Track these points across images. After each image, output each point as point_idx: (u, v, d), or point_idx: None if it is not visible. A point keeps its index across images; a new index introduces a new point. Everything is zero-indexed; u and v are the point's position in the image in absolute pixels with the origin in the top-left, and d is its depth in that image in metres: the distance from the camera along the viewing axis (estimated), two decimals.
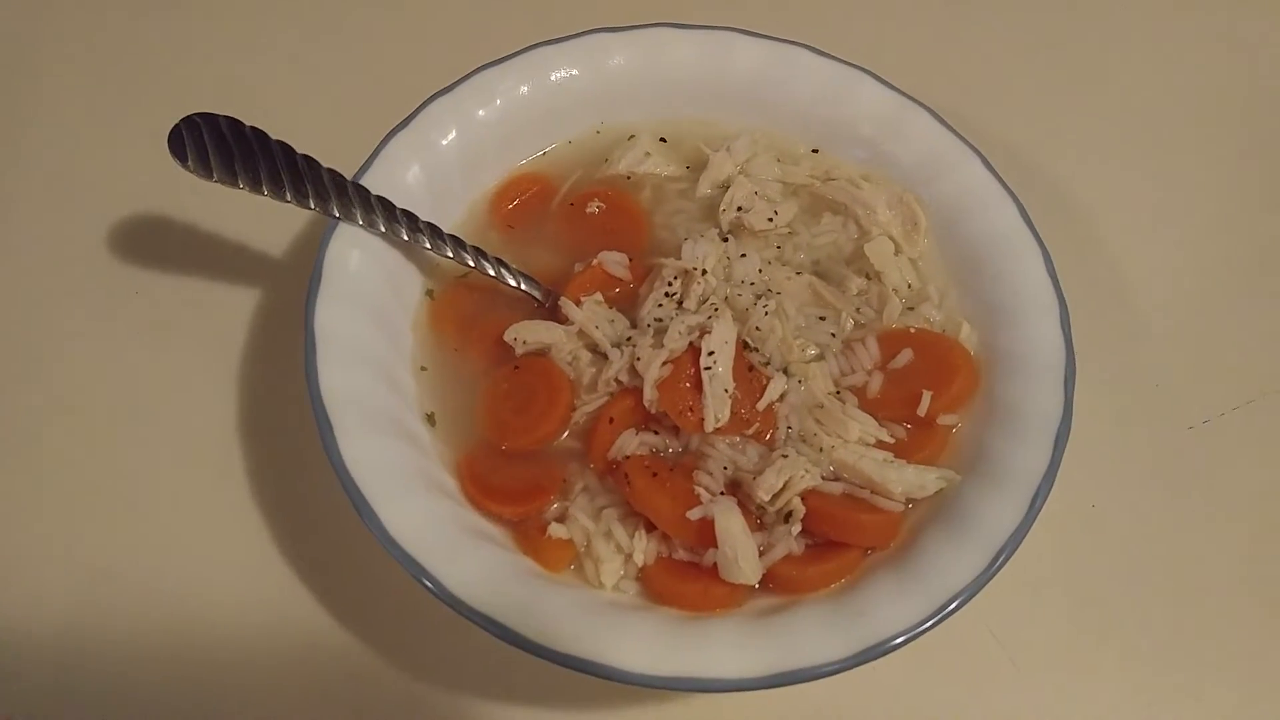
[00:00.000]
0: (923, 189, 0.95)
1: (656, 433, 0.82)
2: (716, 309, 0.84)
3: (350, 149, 0.87)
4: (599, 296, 0.87)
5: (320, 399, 0.74)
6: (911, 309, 0.91)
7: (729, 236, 0.92)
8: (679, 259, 0.88)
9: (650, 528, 0.78)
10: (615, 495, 0.80)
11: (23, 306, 0.98)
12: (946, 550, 0.74)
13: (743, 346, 0.84)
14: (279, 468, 0.89)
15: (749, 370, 0.83)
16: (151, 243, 1.02)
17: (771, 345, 0.85)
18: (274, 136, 0.81)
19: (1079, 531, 0.91)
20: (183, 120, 0.78)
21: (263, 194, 0.79)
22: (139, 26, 1.18)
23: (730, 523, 0.75)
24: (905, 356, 0.86)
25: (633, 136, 0.99)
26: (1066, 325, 0.84)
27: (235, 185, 0.78)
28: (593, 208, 0.94)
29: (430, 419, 0.83)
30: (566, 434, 0.83)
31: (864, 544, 0.78)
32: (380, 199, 0.84)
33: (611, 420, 0.81)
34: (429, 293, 0.90)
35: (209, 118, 0.79)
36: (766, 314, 0.86)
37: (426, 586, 0.69)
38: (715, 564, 0.75)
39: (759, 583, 0.76)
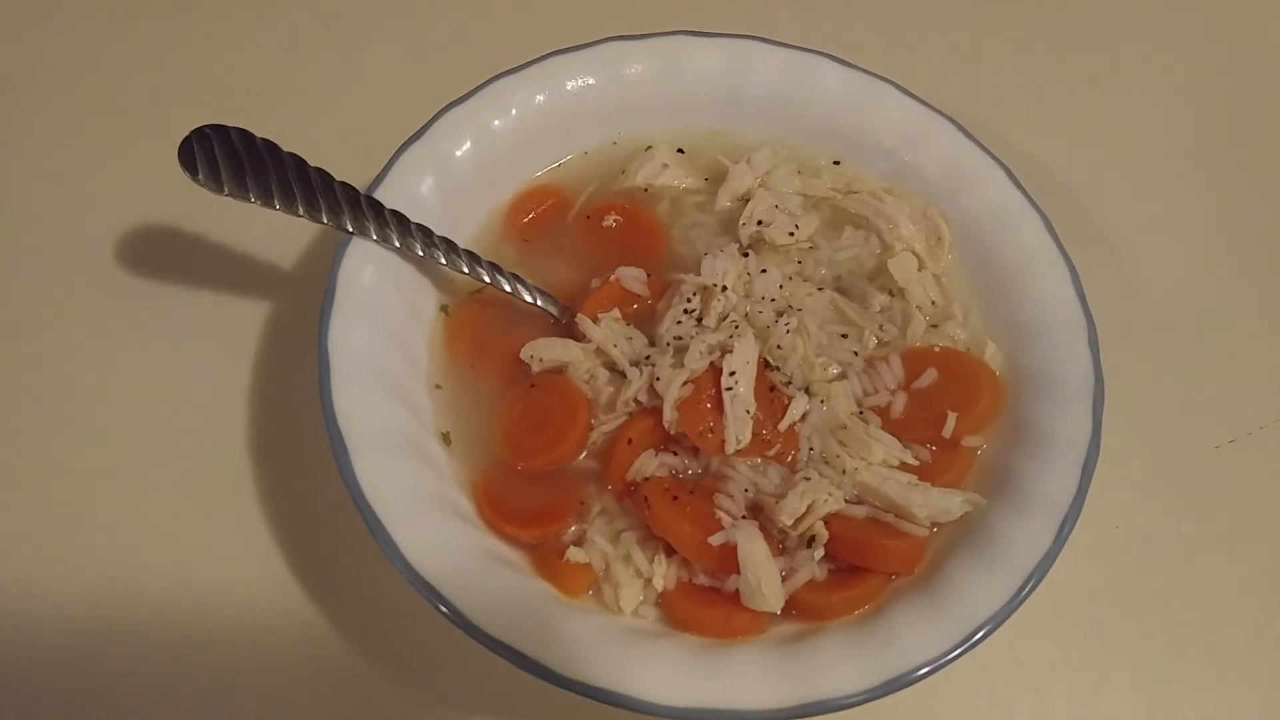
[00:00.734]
0: (947, 203, 0.93)
1: (676, 454, 0.81)
2: (737, 327, 0.83)
3: (363, 161, 0.85)
4: (617, 313, 0.85)
5: (334, 418, 0.73)
6: (935, 326, 0.89)
7: (749, 251, 0.90)
8: (698, 275, 0.86)
9: (670, 551, 0.76)
10: (634, 518, 0.78)
11: (32, 320, 0.97)
12: (972, 577, 0.73)
13: (764, 365, 0.82)
14: (291, 486, 0.88)
15: (770, 390, 0.81)
16: (162, 257, 1.01)
17: (793, 364, 0.84)
18: (286, 149, 0.79)
19: (1103, 553, 0.89)
20: (193, 132, 0.76)
21: (275, 208, 0.77)
22: (149, 37, 1.16)
23: (753, 549, 0.73)
24: (929, 376, 0.85)
25: (650, 147, 0.97)
26: (1095, 345, 0.83)
27: (247, 199, 0.76)
28: (610, 221, 0.92)
29: (445, 438, 0.81)
30: (584, 454, 0.82)
31: (888, 569, 0.77)
32: (394, 213, 0.83)
33: (630, 441, 0.79)
34: (444, 309, 0.88)
35: (220, 129, 0.77)
36: (788, 332, 0.84)
37: (442, 612, 0.68)
38: (737, 590, 0.74)
39: (781, 609, 0.74)
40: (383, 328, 0.80)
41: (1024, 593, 0.72)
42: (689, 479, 0.80)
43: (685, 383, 0.79)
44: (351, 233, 0.80)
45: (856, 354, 0.86)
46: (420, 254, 0.83)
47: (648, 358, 0.82)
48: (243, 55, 1.15)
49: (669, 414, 0.78)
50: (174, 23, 1.17)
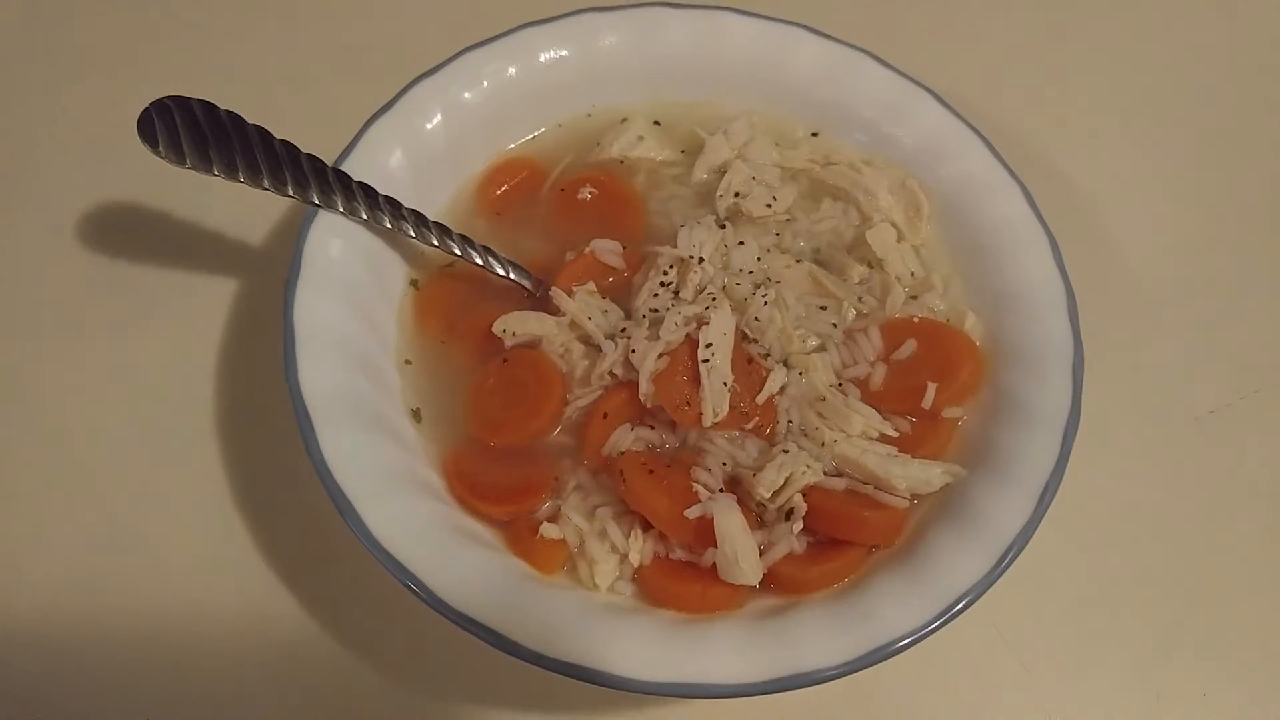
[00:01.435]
0: (926, 174, 0.92)
1: (652, 428, 0.79)
2: (714, 299, 0.81)
3: (330, 134, 0.84)
4: (591, 286, 0.84)
5: (300, 394, 0.71)
6: (915, 298, 0.88)
7: (726, 223, 0.89)
8: (675, 247, 0.85)
9: (646, 527, 0.75)
10: (610, 493, 0.77)
11: None
12: (953, 548, 0.72)
13: (741, 338, 0.81)
14: (260, 465, 0.86)
15: (748, 362, 0.80)
16: (124, 234, 0.99)
17: (771, 336, 0.83)
18: (250, 121, 0.78)
19: (1085, 525, 0.89)
20: (153, 104, 0.74)
21: (239, 181, 0.76)
22: (110, 5, 1.13)
23: (730, 521, 0.72)
24: (909, 347, 0.84)
25: (625, 120, 0.95)
26: (1075, 315, 0.82)
27: (210, 172, 0.75)
28: (584, 194, 0.91)
29: (416, 415, 0.80)
30: (558, 430, 0.80)
31: (868, 542, 0.76)
32: (362, 185, 0.81)
33: (605, 415, 0.78)
34: (413, 283, 0.86)
35: (181, 101, 0.75)
36: (766, 304, 0.83)
37: (412, 590, 0.67)
38: (714, 564, 0.73)
39: (759, 583, 0.73)
40: (350, 302, 0.78)
41: (1004, 563, 0.72)
42: (665, 453, 0.79)
43: (661, 355, 0.78)
44: (318, 205, 0.78)
45: (835, 326, 0.85)
46: (389, 227, 0.81)
47: (623, 330, 0.81)
48: (206, 25, 1.12)
49: (645, 387, 0.77)
50: None
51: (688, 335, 0.79)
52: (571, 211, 0.90)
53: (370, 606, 0.80)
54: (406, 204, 0.83)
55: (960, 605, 0.69)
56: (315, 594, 0.81)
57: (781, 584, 0.74)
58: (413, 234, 0.82)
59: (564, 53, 0.92)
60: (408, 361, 0.83)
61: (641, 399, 0.77)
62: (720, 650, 0.67)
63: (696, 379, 0.77)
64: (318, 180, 0.79)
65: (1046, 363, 0.80)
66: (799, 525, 0.75)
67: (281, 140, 0.78)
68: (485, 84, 0.89)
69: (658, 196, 0.93)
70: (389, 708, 0.78)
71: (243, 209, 0.97)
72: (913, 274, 0.89)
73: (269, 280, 0.95)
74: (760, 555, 0.73)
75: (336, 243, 0.79)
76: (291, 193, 0.77)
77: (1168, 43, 1.22)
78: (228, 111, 0.77)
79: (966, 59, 1.17)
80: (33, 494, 0.85)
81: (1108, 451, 0.92)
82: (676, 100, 0.97)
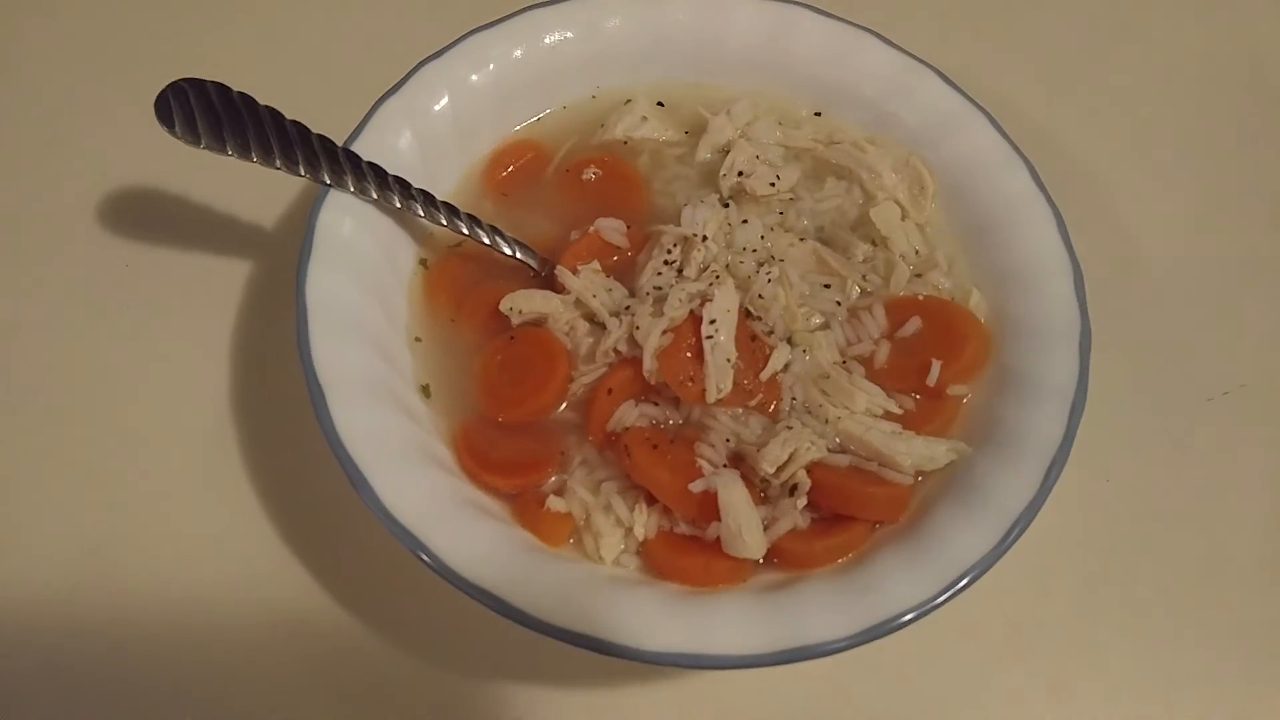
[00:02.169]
0: (930, 152, 0.92)
1: (656, 404, 0.80)
2: (718, 276, 0.82)
3: (341, 115, 0.85)
4: (596, 265, 0.85)
5: (313, 369, 0.72)
6: (919, 276, 0.88)
7: (730, 202, 0.89)
8: (678, 225, 0.85)
9: (651, 501, 0.76)
10: (615, 468, 0.78)
11: (8, 279, 0.97)
12: (957, 525, 0.72)
13: (745, 315, 0.82)
14: (272, 440, 0.88)
15: (752, 340, 0.81)
16: (139, 213, 1.00)
17: (775, 314, 0.83)
18: (262, 102, 0.79)
19: (1093, 506, 0.88)
20: (169, 86, 0.76)
21: (251, 160, 0.77)
22: None
23: (733, 495, 0.73)
24: (913, 325, 0.84)
25: (629, 100, 0.96)
26: (1081, 290, 0.82)
27: (223, 152, 0.76)
28: (589, 174, 0.91)
29: (425, 390, 0.81)
30: (564, 406, 0.81)
31: (872, 518, 0.76)
32: (371, 165, 0.82)
33: (610, 391, 0.79)
34: (422, 262, 0.88)
35: (196, 83, 0.77)
36: (769, 282, 0.83)
37: (423, 559, 0.68)
38: (718, 538, 0.73)
39: (763, 557, 0.74)
40: (361, 279, 0.79)
41: (1009, 540, 0.71)
42: (670, 429, 0.80)
43: (665, 331, 0.79)
44: (329, 185, 0.80)
45: (839, 304, 0.86)
46: (398, 206, 0.82)
47: (627, 308, 0.82)
48: (219, 9, 1.14)
49: (649, 363, 0.78)
50: None
51: (691, 312, 0.79)
52: (576, 192, 0.91)
53: (379, 577, 0.81)
54: (415, 184, 0.84)
55: (964, 581, 0.69)
56: (325, 565, 0.83)
57: (785, 559, 0.75)
58: (421, 213, 0.83)
59: (569, 35, 0.93)
60: (417, 339, 0.84)
61: (646, 375, 0.78)
62: (724, 622, 0.68)
63: (700, 355, 0.78)
64: (328, 160, 0.80)
65: (1052, 338, 0.80)
66: (803, 501, 0.75)
67: (293, 121, 0.80)
68: (492, 66, 0.90)
69: (662, 176, 0.94)
70: (396, 676, 0.79)
71: (255, 189, 0.98)
72: (917, 252, 0.89)
73: (281, 258, 0.96)
74: (764, 530, 0.74)
75: (347, 221, 0.80)
76: (303, 172, 0.79)
77: (1177, 18, 1.21)
78: (241, 93, 0.78)
79: (970, 36, 1.16)
80: (50, 467, 0.87)
81: (1118, 431, 0.91)
82: (680, 81, 0.97)
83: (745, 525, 0.72)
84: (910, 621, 0.68)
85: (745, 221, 0.88)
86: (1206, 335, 0.98)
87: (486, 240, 0.86)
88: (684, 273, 0.84)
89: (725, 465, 0.77)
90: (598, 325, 0.82)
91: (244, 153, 0.77)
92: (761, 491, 0.77)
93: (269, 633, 0.80)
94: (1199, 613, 0.85)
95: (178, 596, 0.81)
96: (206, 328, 0.93)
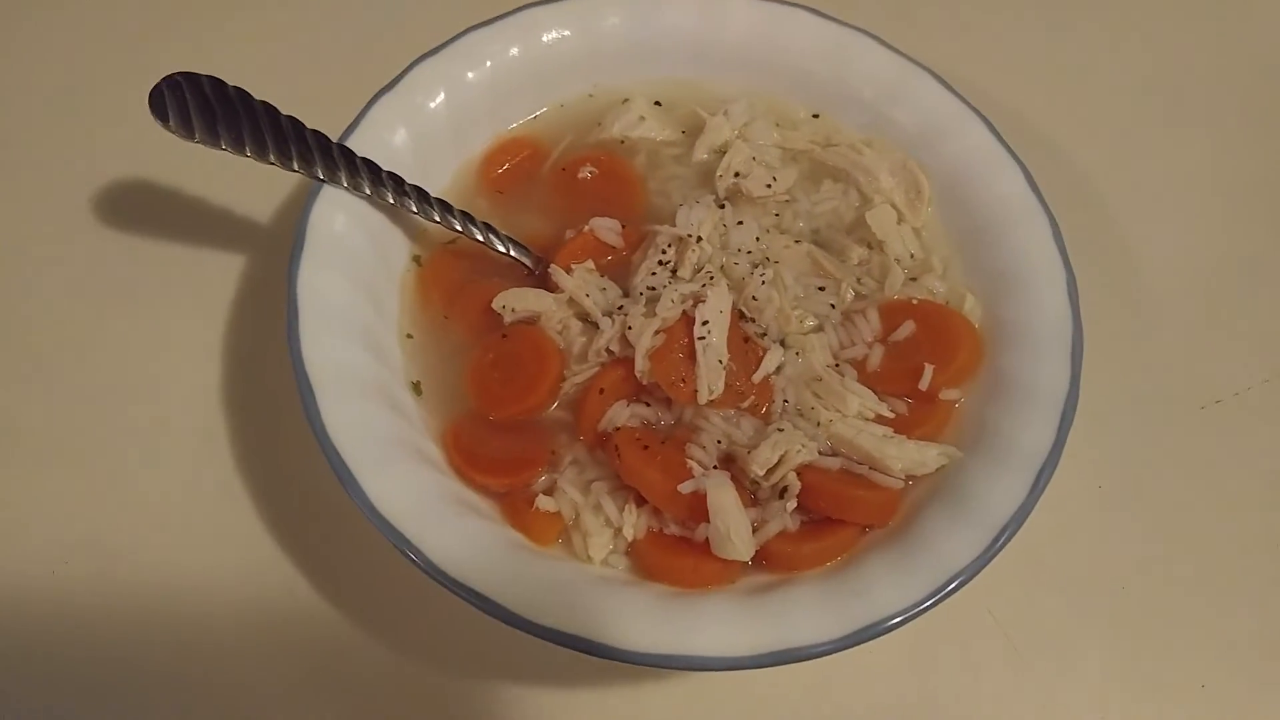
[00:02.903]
0: (926, 155, 0.92)
1: (648, 404, 0.80)
2: (712, 277, 0.82)
3: (336, 111, 0.84)
4: (590, 264, 0.85)
5: (302, 365, 0.72)
6: (914, 279, 0.88)
7: (726, 203, 0.89)
8: (673, 226, 0.85)
9: (641, 501, 0.76)
10: (605, 468, 0.78)
11: (2, 273, 0.96)
12: (947, 529, 0.72)
13: (739, 316, 0.81)
14: (262, 435, 0.88)
15: (745, 341, 0.81)
16: (132, 206, 1.00)
17: (768, 316, 0.83)
18: (257, 97, 0.79)
19: (1085, 512, 0.88)
20: (164, 80, 0.76)
21: (246, 155, 0.77)
22: None
23: (723, 497, 0.73)
24: (907, 329, 0.84)
25: (626, 100, 0.96)
26: (1074, 295, 0.82)
27: (217, 146, 0.76)
28: (585, 173, 0.91)
29: (416, 388, 0.81)
30: (556, 405, 0.81)
31: (861, 521, 0.76)
32: (366, 161, 0.82)
33: (602, 391, 0.79)
34: (416, 259, 0.88)
35: (191, 77, 0.77)
36: (764, 283, 0.83)
37: (409, 558, 0.68)
38: (707, 539, 0.73)
39: (752, 559, 0.74)
40: (353, 276, 0.79)
41: (998, 545, 0.71)
42: (661, 430, 0.80)
43: (657, 332, 0.78)
44: (323, 180, 0.80)
45: (834, 306, 0.86)
46: (391, 202, 0.82)
47: (620, 308, 0.82)
48: (219, 5, 1.14)
49: (641, 363, 0.78)
50: None
51: (684, 312, 0.79)
52: (572, 190, 0.91)
53: (367, 574, 0.81)
54: (409, 181, 0.84)
55: (953, 586, 0.69)
56: (313, 561, 0.82)
57: (774, 561, 0.75)
58: (415, 210, 0.83)
59: (566, 33, 0.93)
60: (409, 335, 0.84)
61: (638, 375, 0.78)
62: (712, 624, 0.68)
63: (692, 356, 0.78)
64: (322, 156, 0.80)
65: (1045, 343, 0.80)
66: (793, 503, 0.75)
67: (288, 116, 0.80)
68: (488, 63, 0.90)
69: (658, 176, 0.94)
70: (383, 674, 0.79)
71: (249, 184, 0.99)
72: (912, 256, 0.89)
73: (274, 252, 0.96)
74: (754, 532, 0.74)
75: (340, 217, 0.80)
76: (296, 167, 0.79)
77: (1174, 21, 1.21)
78: (235, 88, 0.78)
79: (968, 38, 1.16)
80: (41, 458, 0.87)
81: (1110, 437, 0.91)
82: (678, 80, 0.97)
83: (734, 527, 0.72)
84: (898, 625, 0.68)
85: (741, 222, 0.87)
86: (1200, 342, 0.98)
87: (480, 237, 0.85)
88: (678, 273, 0.84)
89: (716, 467, 0.77)
90: (590, 324, 0.82)
91: (238, 147, 0.77)
92: (751, 493, 0.77)
93: (260, 627, 0.80)
94: (1189, 620, 0.84)
95: (169, 591, 0.81)
96: (199, 323, 0.93)
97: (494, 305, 0.82)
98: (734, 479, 0.75)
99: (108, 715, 0.77)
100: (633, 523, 0.75)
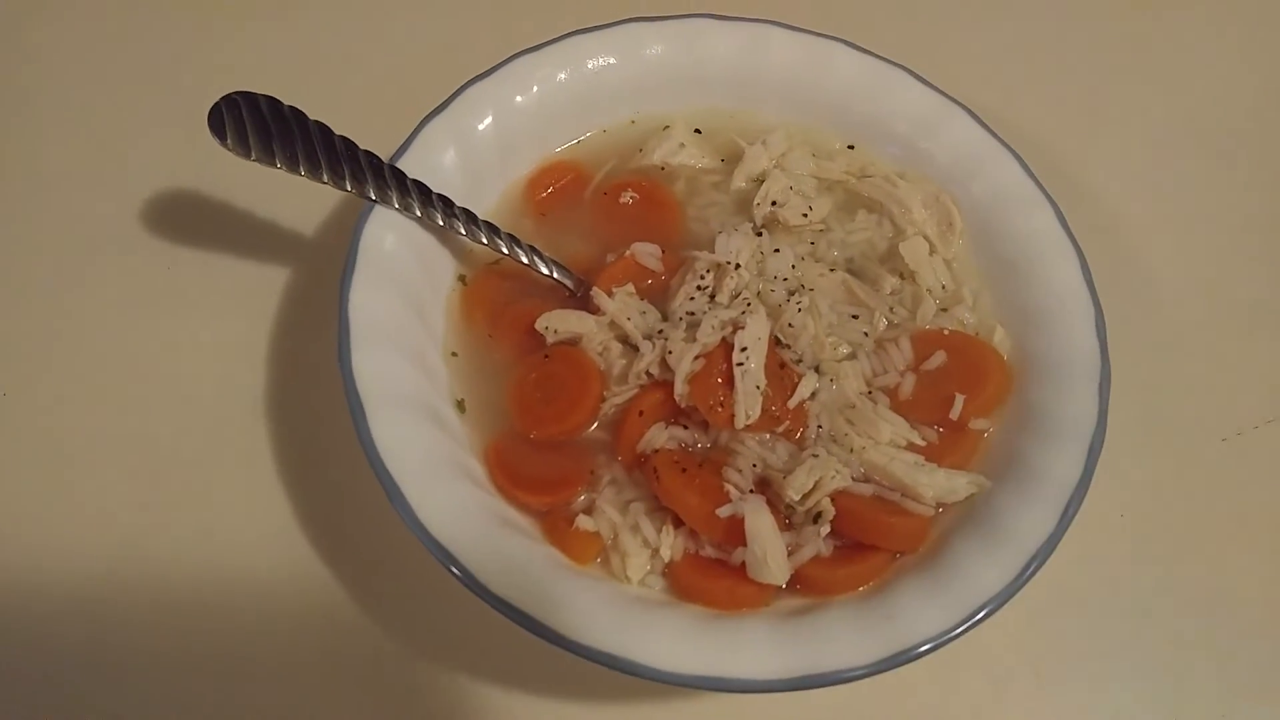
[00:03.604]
0: (958, 189, 0.94)
1: (686, 427, 0.81)
2: (750, 304, 0.84)
3: (387, 132, 0.86)
4: (631, 288, 0.86)
5: (352, 381, 0.74)
6: (945, 310, 0.90)
7: (763, 231, 0.91)
8: (712, 252, 0.87)
9: (678, 523, 0.77)
10: (643, 489, 0.79)
11: (58, 279, 0.98)
12: (976, 557, 0.74)
13: (774, 343, 0.83)
14: (308, 448, 0.89)
15: (780, 367, 0.82)
16: (187, 220, 1.02)
17: (804, 342, 0.84)
18: (312, 117, 0.81)
19: (1108, 541, 0.90)
20: (223, 99, 0.77)
21: (300, 174, 0.79)
22: (184, 4, 1.17)
23: (760, 522, 0.74)
24: (938, 359, 0.85)
25: (667, 127, 0.98)
26: (1102, 331, 0.83)
27: (273, 165, 0.78)
28: (626, 198, 0.93)
29: (460, 405, 0.83)
30: (595, 425, 0.83)
31: (893, 547, 0.77)
32: (416, 183, 0.84)
33: (641, 413, 0.80)
34: (461, 278, 0.89)
35: (248, 96, 0.78)
36: (799, 311, 0.85)
37: (454, 574, 0.69)
38: (743, 562, 0.74)
39: (786, 583, 0.75)
40: (402, 294, 0.81)
41: (1027, 574, 0.73)
42: (698, 452, 0.81)
43: (697, 357, 0.80)
44: (374, 200, 0.81)
45: (867, 335, 0.87)
46: (440, 224, 0.84)
47: (660, 332, 0.83)
48: (273, 24, 1.16)
49: (680, 387, 0.79)
50: None
51: (723, 339, 0.81)
52: (613, 215, 0.93)
53: (408, 587, 0.82)
54: (458, 202, 0.85)
55: (982, 614, 0.71)
56: (355, 574, 0.84)
57: (808, 585, 0.76)
58: (463, 231, 0.85)
59: (611, 60, 0.95)
60: (454, 354, 0.85)
61: (676, 399, 0.80)
62: (746, 646, 0.69)
63: (730, 381, 0.79)
64: (374, 176, 0.82)
65: (1073, 378, 0.81)
66: (826, 528, 0.76)
67: (341, 136, 0.81)
68: (535, 88, 0.92)
69: (697, 203, 0.95)
70: (422, 684, 0.80)
71: (302, 201, 1.00)
72: (944, 287, 0.91)
73: (323, 269, 0.98)
74: (788, 556, 0.75)
75: (390, 237, 0.81)
76: (349, 187, 0.80)
77: (1201, 59, 1.23)
78: (291, 107, 0.80)
79: (1002, 75, 1.18)
80: (90, 464, 0.88)
81: (1134, 469, 0.92)
82: (717, 109, 0.99)
83: (771, 552, 0.73)
84: (929, 651, 0.69)
85: (777, 250, 0.89)
86: (1223, 375, 1.00)
87: (525, 259, 0.87)
88: (716, 299, 0.85)
89: (752, 490, 0.78)
90: (630, 347, 0.84)
91: (293, 166, 0.78)
92: (786, 518, 0.78)
93: (297, 635, 0.81)
94: (1212, 649, 0.85)
95: (209, 601, 0.82)
96: (247, 332, 0.94)
97: (537, 326, 0.84)
98: (769, 503, 0.77)
99: None
100: (670, 544, 0.76)
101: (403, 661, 0.81)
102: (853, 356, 0.86)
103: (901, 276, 0.91)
